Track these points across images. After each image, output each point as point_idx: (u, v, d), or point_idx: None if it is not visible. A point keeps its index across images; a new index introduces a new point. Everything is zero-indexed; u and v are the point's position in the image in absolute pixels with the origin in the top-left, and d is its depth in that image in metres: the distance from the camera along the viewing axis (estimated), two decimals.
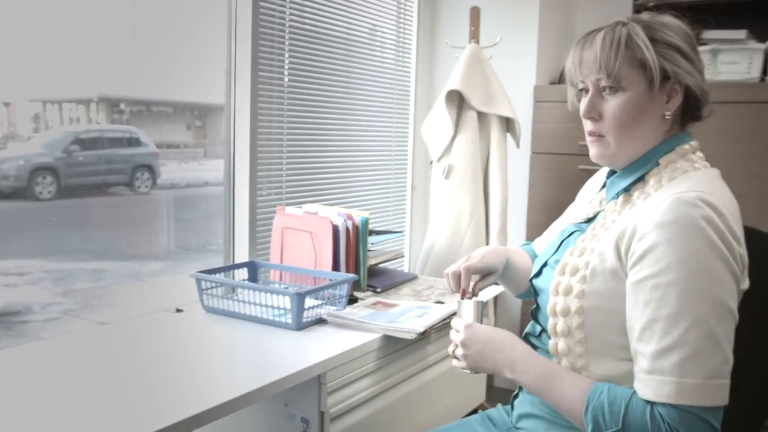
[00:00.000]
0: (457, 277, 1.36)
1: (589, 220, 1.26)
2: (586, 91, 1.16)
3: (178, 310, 1.88)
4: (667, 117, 1.13)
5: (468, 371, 1.25)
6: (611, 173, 1.23)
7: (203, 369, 1.45)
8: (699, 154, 1.17)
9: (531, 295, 1.35)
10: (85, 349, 1.55)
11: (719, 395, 0.97)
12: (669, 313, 0.98)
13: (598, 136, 1.16)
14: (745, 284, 1.08)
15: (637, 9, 2.96)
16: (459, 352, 1.23)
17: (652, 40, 1.10)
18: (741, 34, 2.70)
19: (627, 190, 1.18)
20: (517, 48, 2.97)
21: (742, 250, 1.05)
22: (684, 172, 1.11)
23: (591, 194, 1.39)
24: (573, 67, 1.17)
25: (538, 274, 1.26)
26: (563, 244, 1.25)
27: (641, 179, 1.16)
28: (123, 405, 1.24)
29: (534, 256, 1.51)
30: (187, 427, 1.18)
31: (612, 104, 1.13)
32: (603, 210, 1.23)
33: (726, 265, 1.00)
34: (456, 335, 1.24)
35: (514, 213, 2.93)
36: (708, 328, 0.97)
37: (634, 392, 1.02)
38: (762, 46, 2.66)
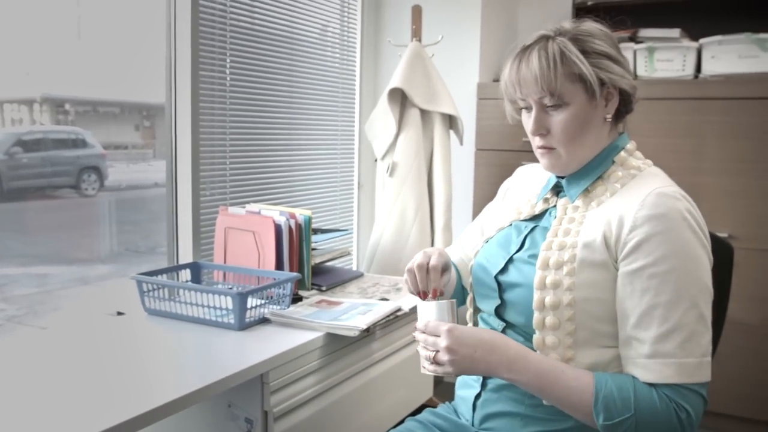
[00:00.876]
0: (422, 274, 1.30)
1: (534, 218, 1.30)
2: (528, 108, 1.21)
3: (119, 313, 1.86)
4: (608, 120, 1.20)
5: (443, 374, 1.19)
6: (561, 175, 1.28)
7: (144, 370, 1.44)
8: (639, 152, 1.26)
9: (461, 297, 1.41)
10: (22, 354, 1.52)
11: (709, 371, 1.07)
12: (667, 300, 1.06)
13: (549, 149, 1.21)
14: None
15: (577, 7, 3.02)
16: (444, 358, 1.13)
17: (584, 52, 1.16)
18: (675, 32, 2.78)
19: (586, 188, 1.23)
20: (459, 46, 3.01)
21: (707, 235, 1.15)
22: (640, 170, 1.20)
23: (526, 193, 1.41)
24: (511, 87, 1.21)
25: (504, 270, 1.26)
26: (527, 239, 1.27)
27: (600, 177, 1.22)
28: (63, 408, 1.22)
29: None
30: (129, 428, 1.17)
31: (558, 119, 1.18)
32: (553, 207, 1.27)
33: (706, 252, 1.10)
34: (437, 340, 1.15)
35: (458, 209, 2.96)
36: (699, 310, 1.06)
37: (635, 378, 1.08)
38: (695, 44, 2.75)
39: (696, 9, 2.95)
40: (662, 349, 1.05)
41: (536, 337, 1.16)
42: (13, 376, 1.39)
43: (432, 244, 2.71)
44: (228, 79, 2.34)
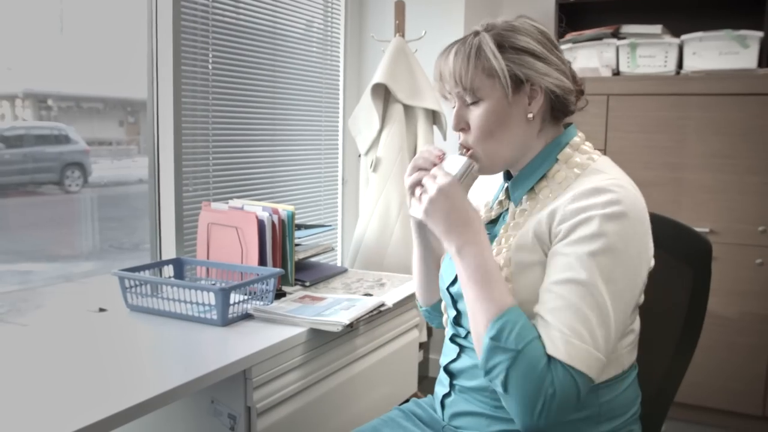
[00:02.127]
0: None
1: (492, 222, 1.29)
2: (455, 103, 1.20)
3: (102, 310, 1.85)
4: (529, 118, 1.16)
5: (415, 217, 1.17)
6: (507, 176, 1.26)
7: (127, 367, 1.43)
8: (588, 144, 1.22)
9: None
10: (3, 352, 1.51)
11: (596, 368, 1.02)
12: (569, 277, 1.03)
13: (467, 150, 1.19)
14: (651, 263, 1.15)
15: (560, 3, 3.04)
16: (424, 197, 1.11)
17: (501, 47, 1.13)
18: (657, 29, 2.80)
19: (532, 188, 1.20)
20: (443, 41, 2.96)
21: (649, 235, 1.12)
22: (584, 166, 1.15)
23: (485, 195, 1.40)
24: (437, 82, 1.21)
25: (455, 281, 1.24)
26: None
27: (544, 177, 1.18)
28: (45, 405, 1.22)
29: None
30: (112, 424, 1.17)
31: (474, 114, 1.16)
32: (506, 211, 1.26)
33: (633, 246, 1.06)
34: (430, 181, 1.12)
35: None
36: (602, 300, 1.02)
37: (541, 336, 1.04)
38: (676, 40, 2.77)
39: (678, 5, 2.98)
40: (558, 323, 1.02)
41: None
42: None
43: None
44: (211, 74, 2.34)
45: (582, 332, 1.01)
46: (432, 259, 1.39)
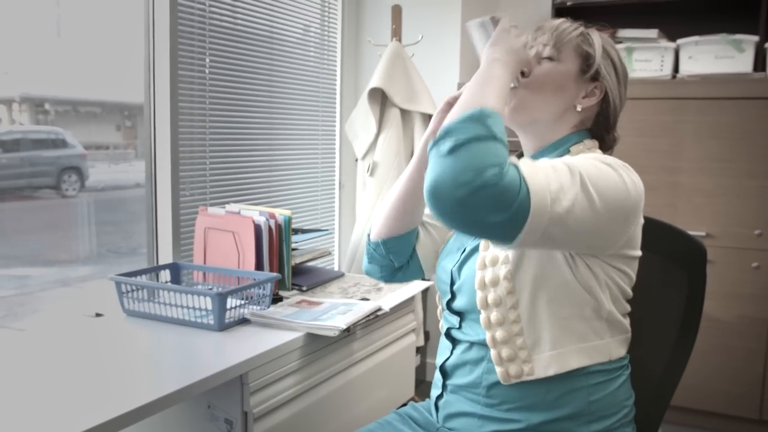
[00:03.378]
0: None
1: None
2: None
3: (98, 315, 1.85)
4: (578, 109, 1.24)
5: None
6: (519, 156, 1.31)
7: (123, 372, 1.43)
8: (597, 151, 1.26)
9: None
10: (0, 356, 1.52)
11: (542, 191, 0.98)
12: (565, 162, 1.05)
13: (514, 88, 1.22)
14: (636, 252, 1.18)
15: (557, 7, 3.05)
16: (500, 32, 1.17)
17: (604, 49, 1.25)
18: (653, 33, 2.81)
19: None
20: (440, 45, 3.02)
21: (638, 210, 1.13)
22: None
23: None
24: (531, 32, 1.29)
25: (461, 264, 1.26)
26: None
27: None
28: (41, 410, 1.22)
29: None
30: (108, 429, 1.16)
31: (543, 67, 1.24)
32: None
33: (623, 182, 1.08)
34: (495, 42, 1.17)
35: None
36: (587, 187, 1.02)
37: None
38: (672, 44, 2.78)
39: (674, 10, 2.99)
40: (532, 165, 1.01)
41: (482, 316, 1.17)
42: None
43: None
44: (207, 78, 2.34)
45: (552, 183, 0.99)
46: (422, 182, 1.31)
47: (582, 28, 1.26)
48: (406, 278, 1.41)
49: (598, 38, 1.25)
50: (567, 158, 1.08)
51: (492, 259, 1.17)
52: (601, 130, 1.28)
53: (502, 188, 0.93)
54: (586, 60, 1.23)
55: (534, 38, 1.28)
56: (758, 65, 2.68)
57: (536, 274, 1.13)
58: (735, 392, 2.73)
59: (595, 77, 1.24)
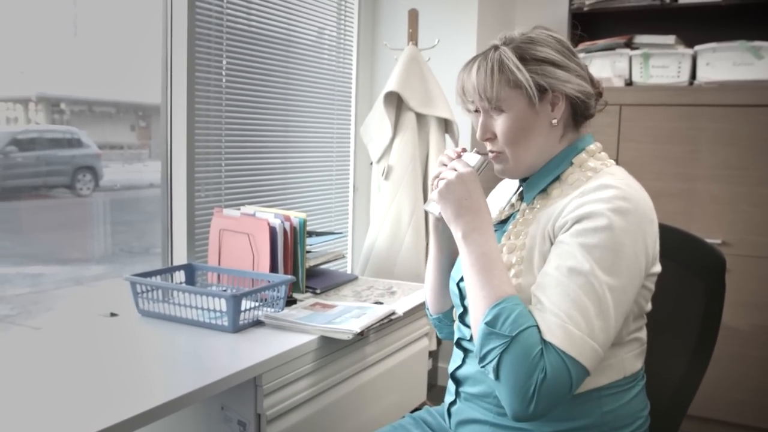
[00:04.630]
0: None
1: (502, 222, 1.31)
2: (478, 112, 1.24)
3: (113, 314, 1.85)
4: (553, 123, 1.20)
5: (431, 206, 1.26)
6: (523, 179, 1.29)
7: (137, 372, 1.44)
8: (604, 153, 1.25)
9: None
10: (15, 354, 1.52)
11: (592, 358, 1.03)
12: (570, 266, 1.05)
13: (498, 153, 1.24)
14: (657, 268, 1.17)
15: (573, 12, 3.03)
16: (442, 182, 1.20)
17: (523, 59, 1.18)
18: (670, 39, 2.79)
19: (544, 189, 1.23)
20: (456, 49, 3.01)
21: (654, 237, 1.13)
22: (597, 170, 1.18)
23: (500, 200, 1.43)
24: (459, 95, 1.26)
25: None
26: None
27: (557, 179, 1.22)
28: (55, 409, 1.22)
29: None
30: (122, 429, 1.16)
31: (500, 124, 1.21)
32: (517, 211, 1.28)
33: (637, 242, 1.08)
34: (450, 170, 1.21)
35: None
36: (602, 292, 1.04)
37: (538, 324, 1.05)
38: (690, 51, 2.76)
39: (691, 16, 2.97)
40: (555, 307, 1.04)
41: None
42: (5, 377, 1.39)
43: (427, 248, 2.72)
44: (224, 80, 2.35)
45: (579, 320, 1.02)
46: (447, 263, 1.40)
47: (492, 61, 1.18)
48: None
49: (511, 56, 1.18)
50: (570, 261, 1.06)
51: None
52: (583, 113, 1.24)
53: (553, 381, 1.00)
54: (525, 89, 1.17)
55: (464, 103, 1.26)
56: None
57: None
58: (752, 402, 2.70)
59: (544, 89, 1.18)
